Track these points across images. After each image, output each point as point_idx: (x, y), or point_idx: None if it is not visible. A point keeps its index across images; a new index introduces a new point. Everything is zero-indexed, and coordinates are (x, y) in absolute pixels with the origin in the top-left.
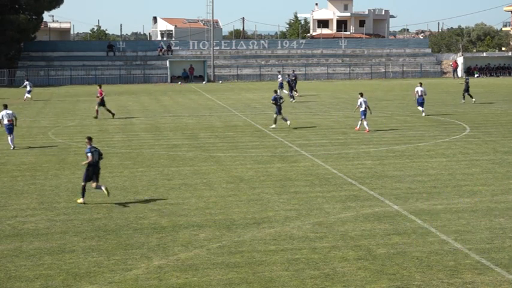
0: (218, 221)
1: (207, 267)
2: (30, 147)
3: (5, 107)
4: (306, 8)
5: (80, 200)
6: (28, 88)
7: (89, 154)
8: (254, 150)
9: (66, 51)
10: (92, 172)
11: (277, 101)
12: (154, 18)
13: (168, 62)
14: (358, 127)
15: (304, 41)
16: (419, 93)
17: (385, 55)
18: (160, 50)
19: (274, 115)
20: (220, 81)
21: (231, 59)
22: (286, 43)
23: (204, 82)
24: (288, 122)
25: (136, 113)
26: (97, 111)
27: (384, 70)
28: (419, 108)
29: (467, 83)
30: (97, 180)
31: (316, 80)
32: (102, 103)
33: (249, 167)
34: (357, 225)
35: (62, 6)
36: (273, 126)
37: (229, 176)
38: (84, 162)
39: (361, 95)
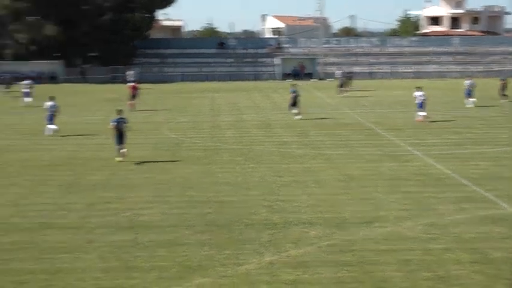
0: (328, 219)
1: (318, 265)
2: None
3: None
4: (417, 4)
5: (118, 159)
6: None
7: (111, 124)
8: (364, 149)
9: (179, 49)
10: (119, 137)
11: None
12: (265, 16)
13: (278, 59)
14: (419, 118)
15: (415, 38)
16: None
17: (500, 53)
18: (270, 48)
19: None
20: (330, 79)
21: (341, 56)
22: (397, 41)
23: (312, 80)
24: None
25: (247, 110)
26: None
27: (499, 69)
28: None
29: (503, 83)
30: (122, 143)
31: (429, 78)
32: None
33: (359, 166)
34: (471, 227)
35: (174, 4)
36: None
37: (339, 174)
38: (110, 128)
39: (418, 88)
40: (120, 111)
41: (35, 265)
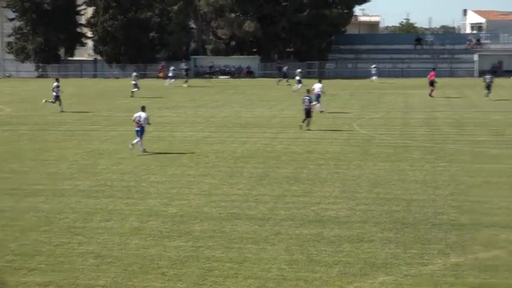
0: None
1: (508, 270)
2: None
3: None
4: None
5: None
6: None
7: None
8: None
9: (374, 45)
10: (306, 114)
11: None
12: (465, 11)
13: (476, 55)
14: None
15: None
16: None
17: None
18: (469, 44)
19: None
20: None
21: None
22: None
23: None
24: None
25: (440, 108)
26: None
27: None
28: None
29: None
30: (308, 117)
31: None
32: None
33: None
34: None
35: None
36: None
37: None
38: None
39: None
40: (308, 91)
41: (223, 254)
